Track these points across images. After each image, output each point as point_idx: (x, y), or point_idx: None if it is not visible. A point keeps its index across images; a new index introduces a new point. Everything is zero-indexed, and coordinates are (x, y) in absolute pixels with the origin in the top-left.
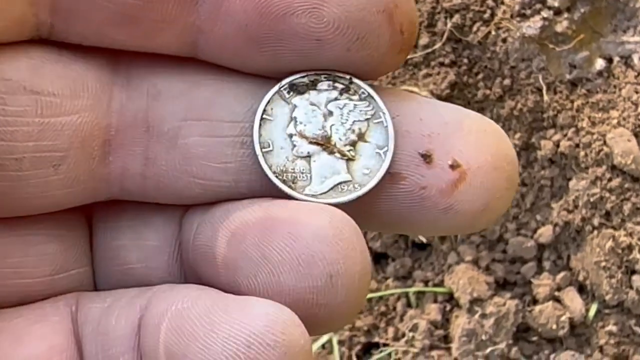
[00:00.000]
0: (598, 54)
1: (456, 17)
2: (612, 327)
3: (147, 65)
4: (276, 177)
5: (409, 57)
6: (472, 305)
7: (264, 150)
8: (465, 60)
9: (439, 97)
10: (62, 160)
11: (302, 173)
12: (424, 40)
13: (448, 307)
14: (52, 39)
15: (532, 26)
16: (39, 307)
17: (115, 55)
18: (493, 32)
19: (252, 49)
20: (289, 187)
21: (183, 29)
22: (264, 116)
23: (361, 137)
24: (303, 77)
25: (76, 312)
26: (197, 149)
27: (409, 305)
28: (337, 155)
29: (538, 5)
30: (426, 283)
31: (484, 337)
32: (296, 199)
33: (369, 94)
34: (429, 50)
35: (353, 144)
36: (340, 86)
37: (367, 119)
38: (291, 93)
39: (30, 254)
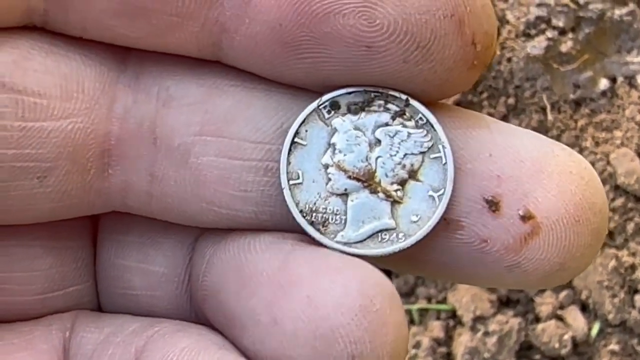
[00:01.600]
0: (602, 74)
1: None
2: (614, 346)
3: (160, 62)
4: (303, 216)
5: None
6: (475, 323)
7: (291, 182)
8: None
9: None
10: (48, 171)
11: (336, 214)
12: None
13: (451, 325)
14: (48, 28)
15: (536, 46)
16: (29, 330)
17: (124, 50)
18: (498, 52)
19: (287, 54)
20: (318, 230)
21: (204, 26)
22: (296, 139)
23: (413, 174)
24: (348, 93)
25: (69, 340)
26: (212, 171)
27: (412, 322)
28: (381, 195)
29: (543, 25)
30: (429, 300)
31: (486, 355)
32: (325, 246)
33: (427, 120)
34: None
35: (402, 182)
36: (393, 108)
37: (422, 153)
38: (332, 113)
39: (18, 269)
